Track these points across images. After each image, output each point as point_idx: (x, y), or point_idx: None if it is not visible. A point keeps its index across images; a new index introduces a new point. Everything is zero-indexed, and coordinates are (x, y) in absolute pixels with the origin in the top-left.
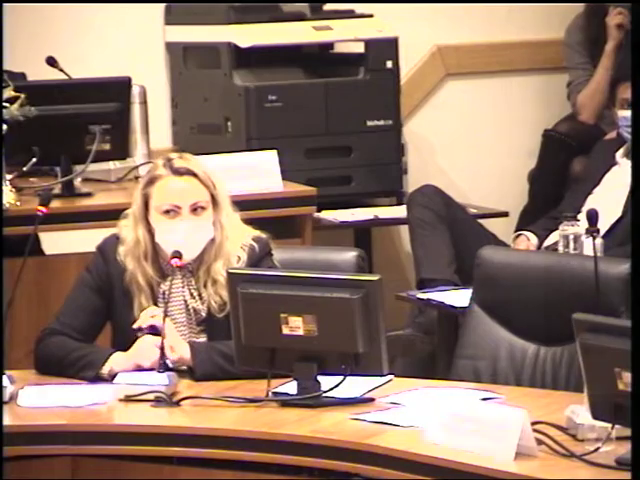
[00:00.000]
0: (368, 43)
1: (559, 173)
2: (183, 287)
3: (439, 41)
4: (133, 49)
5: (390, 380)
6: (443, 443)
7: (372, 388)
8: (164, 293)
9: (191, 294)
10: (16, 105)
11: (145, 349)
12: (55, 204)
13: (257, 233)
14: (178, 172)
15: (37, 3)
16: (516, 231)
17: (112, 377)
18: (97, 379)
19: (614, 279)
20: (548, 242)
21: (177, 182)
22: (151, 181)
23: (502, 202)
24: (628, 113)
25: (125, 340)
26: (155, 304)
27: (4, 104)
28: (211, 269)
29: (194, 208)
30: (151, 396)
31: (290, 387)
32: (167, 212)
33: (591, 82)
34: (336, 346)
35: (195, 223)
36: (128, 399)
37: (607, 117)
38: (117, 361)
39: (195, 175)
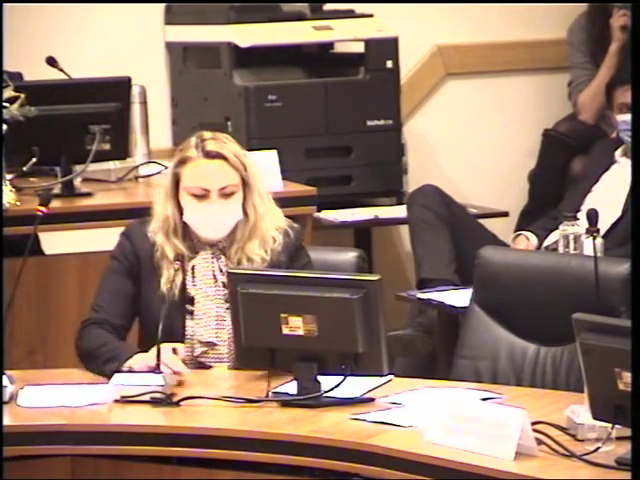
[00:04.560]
0: (368, 43)
1: (559, 173)
2: (213, 262)
3: (439, 41)
4: (133, 49)
5: (390, 380)
6: (443, 443)
7: (372, 388)
8: (193, 268)
9: (221, 270)
10: (16, 105)
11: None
12: (55, 204)
13: (289, 221)
14: (209, 155)
15: (37, 3)
16: (516, 231)
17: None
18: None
19: (614, 279)
20: (548, 242)
21: (207, 165)
22: (182, 161)
23: (502, 202)
24: (627, 117)
25: (151, 315)
26: (184, 278)
27: (4, 104)
28: (246, 248)
29: (223, 192)
30: (147, 397)
31: (290, 387)
32: (196, 194)
33: (593, 82)
34: (336, 346)
35: (222, 207)
36: (124, 399)
37: (608, 117)
38: (137, 360)
39: (225, 159)
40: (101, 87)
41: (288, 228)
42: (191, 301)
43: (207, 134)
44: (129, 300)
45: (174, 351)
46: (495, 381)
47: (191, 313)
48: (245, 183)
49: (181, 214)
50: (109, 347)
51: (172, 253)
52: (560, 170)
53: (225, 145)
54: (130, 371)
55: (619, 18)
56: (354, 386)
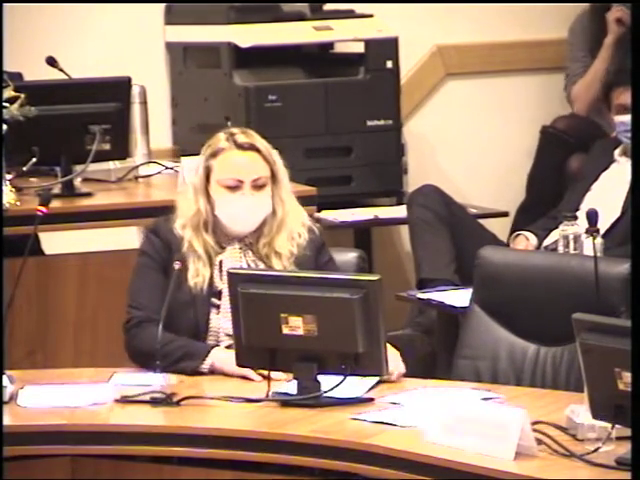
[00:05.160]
0: (368, 43)
1: (557, 169)
2: (241, 257)
3: (439, 41)
4: (133, 49)
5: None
6: (443, 443)
7: (371, 387)
8: (221, 262)
9: (248, 265)
10: (16, 105)
11: None
12: (55, 204)
13: (310, 218)
14: (242, 147)
15: (37, 3)
16: (512, 228)
17: (212, 372)
18: (195, 372)
19: (614, 279)
20: (547, 242)
21: (240, 157)
22: (214, 154)
23: (502, 202)
24: (625, 118)
25: (176, 309)
26: (212, 272)
27: (4, 104)
28: (274, 242)
29: (255, 183)
30: (147, 397)
31: (290, 387)
32: (229, 186)
33: (588, 73)
34: (336, 346)
35: (255, 199)
36: (124, 399)
37: (605, 116)
38: (220, 358)
39: (258, 151)
40: (101, 87)
41: (312, 225)
42: (218, 295)
43: (235, 129)
44: (165, 295)
45: None
46: (495, 381)
47: (217, 307)
48: (274, 177)
49: (212, 208)
50: (177, 345)
51: (201, 247)
52: (557, 167)
53: (255, 138)
54: (211, 370)
55: (615, 12)
56: (354, 386)
